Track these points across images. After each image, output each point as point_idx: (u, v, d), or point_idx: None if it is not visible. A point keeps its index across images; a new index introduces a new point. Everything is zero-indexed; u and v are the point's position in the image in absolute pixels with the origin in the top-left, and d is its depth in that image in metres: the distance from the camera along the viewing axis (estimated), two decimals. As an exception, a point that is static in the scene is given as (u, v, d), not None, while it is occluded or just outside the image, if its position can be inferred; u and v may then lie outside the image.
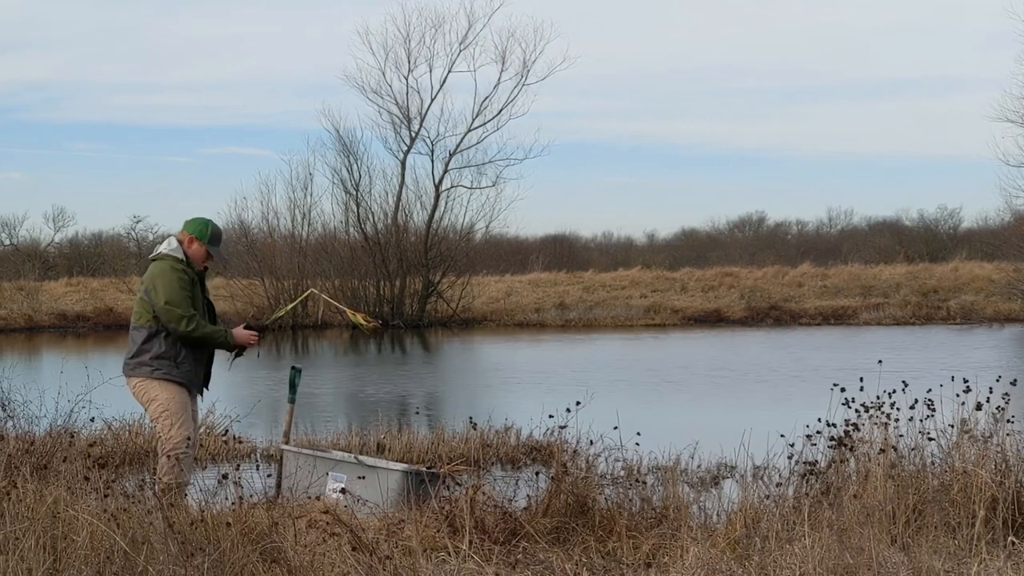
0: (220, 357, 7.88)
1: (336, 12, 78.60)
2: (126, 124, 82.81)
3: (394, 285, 37.38)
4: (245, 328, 7.78)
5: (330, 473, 7.99)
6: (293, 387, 8.47)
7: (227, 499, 6.51)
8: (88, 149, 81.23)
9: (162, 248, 7.76)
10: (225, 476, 7.17)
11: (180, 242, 7.73)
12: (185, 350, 7.56)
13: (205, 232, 7.75)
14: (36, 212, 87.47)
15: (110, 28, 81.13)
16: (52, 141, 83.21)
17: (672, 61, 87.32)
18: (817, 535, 5.70)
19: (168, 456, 7.39)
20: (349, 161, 38.68)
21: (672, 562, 5.93)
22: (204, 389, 7.83)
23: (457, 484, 7.50)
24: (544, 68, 43.68)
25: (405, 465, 8.25)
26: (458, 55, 39.30)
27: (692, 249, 56.42)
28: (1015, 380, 7.17)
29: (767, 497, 6.78)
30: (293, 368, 8.49)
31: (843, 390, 7.02)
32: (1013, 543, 6.02)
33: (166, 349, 7.53)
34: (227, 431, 11.26)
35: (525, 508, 6.96)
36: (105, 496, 5.94)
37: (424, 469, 7.91)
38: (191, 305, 7.52)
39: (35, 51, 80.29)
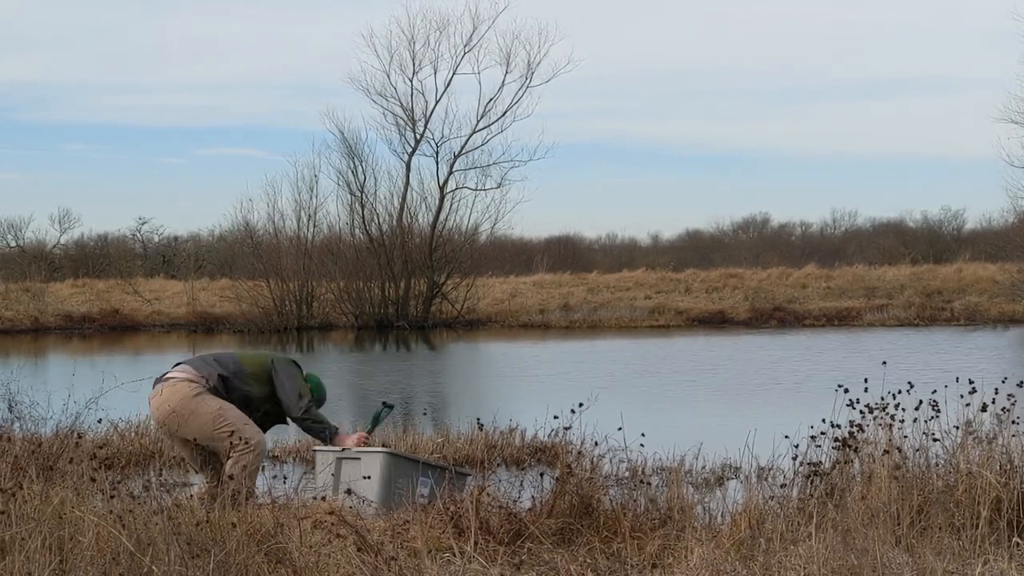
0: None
1: (335, 12, 78.69)
2: (123, 125, 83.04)
3: (399, 286, 37.41)
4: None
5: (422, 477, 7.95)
6: (376, 421, 8.41)
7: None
8: (87, 150, 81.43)
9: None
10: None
11: None
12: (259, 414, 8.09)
13: (319, 391, 8.32)
14: (41, 214, 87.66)
15: (110, 28, 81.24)
16: (49, 142, 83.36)
17: (675, 61, 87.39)
18: (821, 536, 5.71)
19: (247, 461, 7.68)
20: (354, 163, 38.76)
21: (677, 563, 5.94)
22: None
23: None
24: (548, 70, 43.79)
25: (443, 462, 8.30)
26: (463, 57, 39.37)
27: (696, 250, 56.38)
28: (1021, 382, 7.18)
29: (771, 498, 6.79)
30: (385, 405, 8.44)
31: (847, 391, 7.03)
32: (1018, 544, 6.03)
33: (247, 402, 8.07)
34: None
35: (530, 509, 6.97)
36: (111, 497, 5.95)
37: (455, 468, 7.97)
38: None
39: (30, 51, 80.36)
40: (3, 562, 5.18)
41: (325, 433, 8.07)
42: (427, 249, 37.98)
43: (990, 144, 72.92)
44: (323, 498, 7.28)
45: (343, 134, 38.87)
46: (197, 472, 8.13)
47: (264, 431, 8.10)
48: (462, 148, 39.02)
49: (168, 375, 8.03)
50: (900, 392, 7.16)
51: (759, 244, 58.60)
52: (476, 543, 6.16)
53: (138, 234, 55.74)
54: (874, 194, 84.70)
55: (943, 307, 37.07)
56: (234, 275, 38.87)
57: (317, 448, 8.42)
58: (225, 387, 7.93)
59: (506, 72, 39.30)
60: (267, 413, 8.14)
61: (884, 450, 6.76)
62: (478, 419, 9.70)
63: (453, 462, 9.63)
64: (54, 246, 54.42)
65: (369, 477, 7.73)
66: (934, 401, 7.06)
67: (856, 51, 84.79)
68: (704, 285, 41.87)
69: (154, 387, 8.08)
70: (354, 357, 27.61)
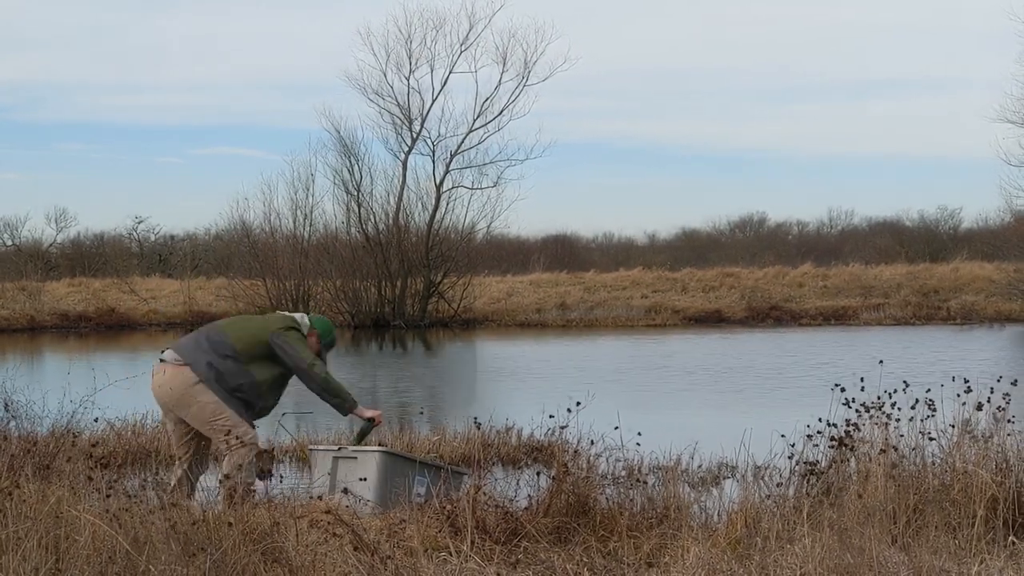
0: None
1: (334, 12, 78.68)
2: (122, 125, 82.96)
3: (395, 285, 37.41)
4: None
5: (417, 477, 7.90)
6: (363, 436, 8.22)
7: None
8: (85, 150, 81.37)
9: (298, 318, 8.07)
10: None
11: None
12: (264, 400, 7.84)
13: (328, 335, 8.12)
14: (37, 213, 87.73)
15: (109, 28, 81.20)
16: (47, 142, 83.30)
17: (672, 62, 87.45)
18: (817, 535, 5.72)
19: (241, 457, 7.58)
20: (350, 162, 38.75)
21: (673, 562, 5.94)
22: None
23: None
24: (545, 69, 43.34)
25: (439, 461, 8.31)
26: (459, 56, 39.36)
27: (693, 250, 56.34)
28: (1016, 380, 7.18)
29: (768, 497, 6.79)
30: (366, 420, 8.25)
31: (843, 390, 7.03)
32: (1014, 543, 6.04)
33: (247, 391, 7.75)
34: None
35: (526, 508, 6.97)
36: (107, 496, 5.95)
37: (452, 467, 7.97)
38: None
39: (29, 51, 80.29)
40: (-1, 561, 5.18)
41: (344, 406, 7.89)
42: (423, 248, 37.99)
43: (987, 144, 73.08)
44: (319, 497, 7.28)
45: (339, 133, 38.91)
46: (176, 451, 7.99)
47: (275, 402, 7.99)
48: (458, 147, 39.06)
49: (167, 359, 7.90)
50: (896, 391, 7.16)
51: (756, 243, 58.59)
52: (472, 542, 6.17)
53: (134, 233, 55.74)
54: (871, 194, 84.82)
55: (939, 306, 37.14)
56: (230, 274, 38.86)
57: (314, 447, 8.43)
58: (219, 380, 7.71)
59: (503, 71, 39.36)
60: (273, 386, 7.90)
61: (880, 449, 6.76)
62: (475, 418, 9.69)
63: (449, 461, 9.64)
64: (50, 245, 54.39)
65: (365, 479, 7.73)
66: (930, 400, 7.07)
67: (853, 51, 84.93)
68: (700, 284, 41.90)
69: (157, 366, 7.94)
70: (350, 356, 27.60)
